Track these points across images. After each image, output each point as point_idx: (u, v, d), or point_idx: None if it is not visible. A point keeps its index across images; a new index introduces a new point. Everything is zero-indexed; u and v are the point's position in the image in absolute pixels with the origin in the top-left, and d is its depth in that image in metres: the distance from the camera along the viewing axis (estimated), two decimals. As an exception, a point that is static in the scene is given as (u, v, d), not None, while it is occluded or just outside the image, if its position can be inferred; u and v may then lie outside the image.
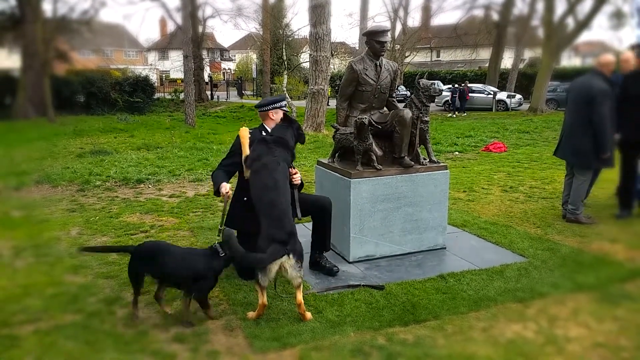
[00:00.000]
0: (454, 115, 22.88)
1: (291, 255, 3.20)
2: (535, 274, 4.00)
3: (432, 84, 4.47)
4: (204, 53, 33.98)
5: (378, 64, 4.60)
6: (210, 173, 4.01)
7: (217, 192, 3.79)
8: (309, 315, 3.27)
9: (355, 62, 4.63)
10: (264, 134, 3.91)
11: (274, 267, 3.17)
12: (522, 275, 3.96)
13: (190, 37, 19.57)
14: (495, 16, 29.19)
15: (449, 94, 24.14)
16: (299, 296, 3.23)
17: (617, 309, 3.39)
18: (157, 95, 27.13)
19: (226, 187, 3.69)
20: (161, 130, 16.04)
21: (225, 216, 3.72)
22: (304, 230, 5.25)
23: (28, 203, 6.59)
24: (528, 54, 30.72)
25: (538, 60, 24.81)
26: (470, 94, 25.34)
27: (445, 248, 4.66)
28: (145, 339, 3.05)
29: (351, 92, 4.64)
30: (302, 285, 3.26)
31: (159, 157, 10.15)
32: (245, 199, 3.85)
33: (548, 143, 11.91)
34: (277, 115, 3.95)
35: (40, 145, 11.25)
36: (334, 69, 32.44)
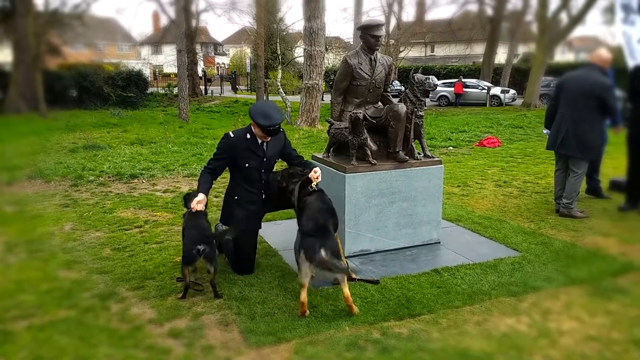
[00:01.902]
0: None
1: (322, 251, 3.20)
2: (529, 268, 4.02)
3: (426, 78, 4.47)
4: (198, 47, 33.82)
5: (373, 59, 4.59)
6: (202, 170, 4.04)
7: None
8: (356, 309, 3.26)
9: (350, 56, 4.62)
10: (248, 136, 3.90)
11: (305, 264, 3.22)
12: (515, 269, 3.99)
13: (183, 31, 19.45)
14: (489, 11, 29.29)
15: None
16: (345, 290, 3.24)
17: (609, 302, 3.42)
18: (150, 89, 26.94)
19: (199, 204, 3.71)
20: (155, 125, 15.95)
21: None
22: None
23: (21, 198, 6.56)
24: (522, 49, 30.77)
25: (532, 56, 24.84)
26: (464, 89, 25.41)
27: (439, 242, 4.68)
28: (139, 334, 3.05)
29: (345, 86, 4.63)
30: (346, 279, 3.25)
31: (153, 152, 10.11)
32: (236, 197, 3.95)
33: (542, 138, 11.95)
34: (256, 128, 3.86)
35: (32, 140, 11.16)
36: (329, 63, 32.35)
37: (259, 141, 3.91)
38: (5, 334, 3.05)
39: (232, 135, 3.91)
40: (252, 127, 3.91)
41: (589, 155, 5.43)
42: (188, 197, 3.96)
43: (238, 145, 3.87)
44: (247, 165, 3.90)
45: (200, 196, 3.74)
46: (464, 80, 26.18)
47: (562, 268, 4.01)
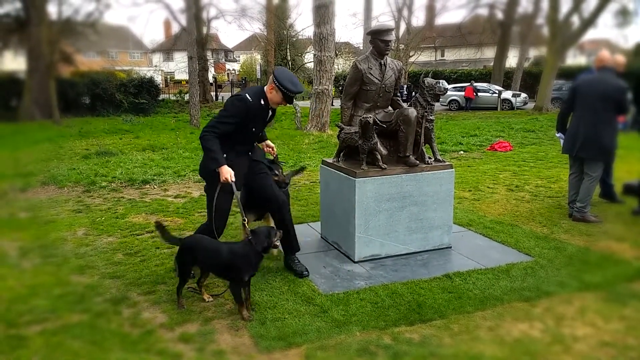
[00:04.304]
0: None
1: None
2: (542, 273, 3.98)
3: (437, 82, 4.46)
4: (209, 54, 34.06)
5: (382, 63, 4.59)
6: (203, 137, 3.69)
7: (213, 170, 3.63)
8: None
9: (360, 61, 4.62)
10: (262, 102, 3.79)
11: None
12: (528, 274, 3.95)
13: (194, 38, 19.62)
14: (499, 15, 29.13)
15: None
16: None
17: (624, 308, 3.37)
18: (161, 96, 27.23)
19: (232, 174, 3.60)
20: (166, 131, 16.09)
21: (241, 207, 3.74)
22: (309, 230, 5.25)
23: (34, 204, 6.63)
24: (533, 53, 30.60)
25: (543, 59, 24.69)
26: (477, 95, 25.29)
27: (450, 247, 4.65)
28: (151, 339, 3.06)
29: (355, 91, 4.64)
30: None
31: (164, 158, 10.18)
32: (224, 155, 3.73)
33: (554, 142, 11.86)
34: (273, 92, 3.78)
35: (46, 147, 11.31)
36: (338, 68, 32.43)
37: (269, 107, 3.88)
38: (18, 339, 3.08)
39: (250, 99, 3.73)
40: (267, 91, 3.82)
41: (608, 158, 5.44)
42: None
43: (253, 109, 3.76)
44: (253, 129, 3.84)
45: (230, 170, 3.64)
46: (475, 84, 26.03)
47: (576, 273, 3.97)
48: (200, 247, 3.45)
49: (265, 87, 3.86)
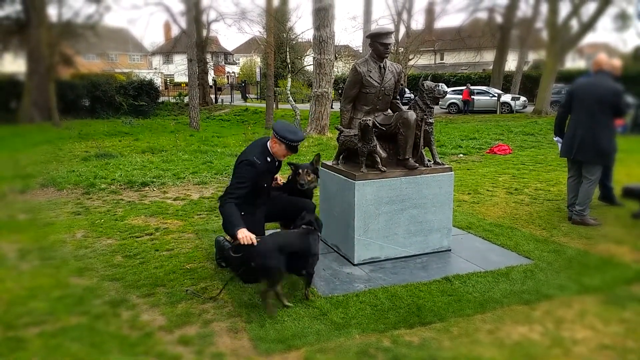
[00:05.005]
0: None
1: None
2: (541, 276, 3.98)
3: (436, 85, 4.47)
4: (208, 57, 34.08)
5: (382, 66, 4.60)
6: (222, 205, 3.85)
7: (234, 235, 3.57)
8: None
9: (359, 64, 4.63)
10: (269, 159, 4.02)
11: None
12: (527, 277, 3.94)
13: (194, 41, 19.63)
14: (499, 18, 29.19)
15: None
16: None
17: (623, 311, 3.37)
18: (161, 99, 27.26)
19: (250, 237, 3.49)
20: (166, 133, 16.09)
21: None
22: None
23: (33, 206, 6.63)
24: (532, 56, 30.63)
25: (542, 63, 24.72)
26: (472, 97, 25.35)
27: (450, 250, 4.65)
28: (150, 341, 3.05)
29: (355, 94, 4.64)
30: None
31: (164, 160, 10.17)
32: (242, 213, 3.80)
33: (553, 145, 11.86)
34: (277, 146, 4.00)
35: (45, 149, 11.30)
36: (338, 71, 32.43)
37: (276, 161, 4.10)
38: (17, 341, 3.07)
39: (258, 162, 3.94)
40: (270, 147, 4.03)
41: (606, 161, 5.45)
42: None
43: (263, 170, 3.97)
44: (265, 185, 4.08)
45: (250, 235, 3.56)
46: (471, 87, 26.13)
47: (575, 276, 3.97)
48: (288, 242, 3.51)
49: (268, 143, 4.06)
